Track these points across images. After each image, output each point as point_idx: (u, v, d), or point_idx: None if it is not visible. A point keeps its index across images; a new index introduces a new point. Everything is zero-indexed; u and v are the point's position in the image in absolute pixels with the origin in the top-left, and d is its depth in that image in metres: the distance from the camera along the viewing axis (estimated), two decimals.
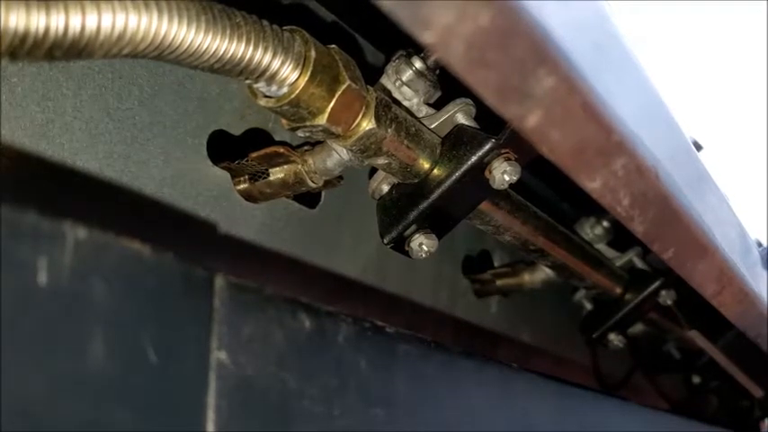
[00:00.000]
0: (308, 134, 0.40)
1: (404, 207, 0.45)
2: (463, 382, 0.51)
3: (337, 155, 0.43)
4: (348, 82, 0.38)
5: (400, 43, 0.46)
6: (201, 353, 0.30)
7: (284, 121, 0.39)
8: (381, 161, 0.43)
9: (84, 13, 0.27)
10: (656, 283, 0.72)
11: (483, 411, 0.53)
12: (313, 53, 0.36)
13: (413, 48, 0.46)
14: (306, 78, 0.36)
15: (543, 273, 0.72)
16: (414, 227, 0.45)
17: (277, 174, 0.45)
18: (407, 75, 0.45)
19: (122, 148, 0.41)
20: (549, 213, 0.55)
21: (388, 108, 0.41)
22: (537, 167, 0.41)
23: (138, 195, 0.41)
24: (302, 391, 0.35)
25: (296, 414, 0.35)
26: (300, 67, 0.36)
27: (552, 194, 0.81)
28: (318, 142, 0.44)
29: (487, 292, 0.75)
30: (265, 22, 0.35)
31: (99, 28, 0.28)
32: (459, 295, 0.71)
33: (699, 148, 0.63)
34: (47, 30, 0.27)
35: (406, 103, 0.45)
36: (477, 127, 0.45)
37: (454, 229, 0.47)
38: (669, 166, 0.37)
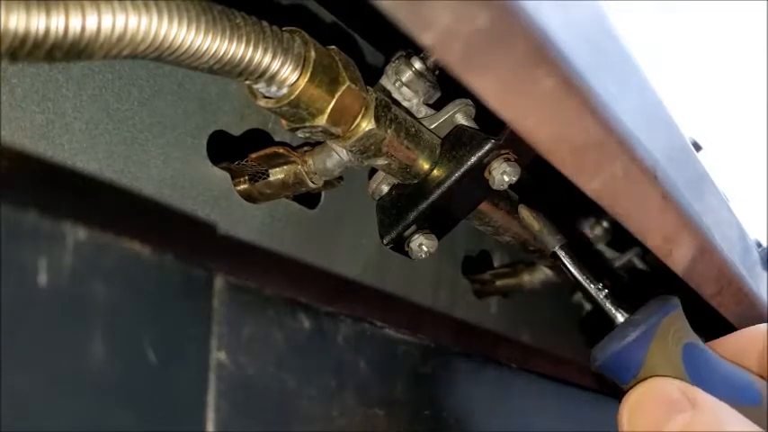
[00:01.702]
0: (307, 135, 0.40)
1: (403, 208, 0.45)
2: (463, 382, 0.51)
3: (337, 155, 0.43)
4: (348, 83, 0.38)
5: (400, 44, 0.46)
6: (201, 353, 0.30)
7: (284, 122, 0.39)
8: (381, 162, 0.43)
9: (84, 15, 0.27)
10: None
11: (483, 411, 0.53)
12: (313, 54, 0.36)
13: (412, 48, 0.46)
14: (305, 79, 0.36)
15: (543, 273, 0.72)
16: (413, 227, 0.45)
17: (277, 174, 0.45)
18: (407, 75, 0.45)
19: (122, 149, 0.41)
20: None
21: (387, 109, 0.41)
22: (536, 167, 0.41)
23: (138, 196, 0.41)
24: (302, 392, 0.35)
25: (296, 414, 0.35)
26: (300, 67, 0.36)
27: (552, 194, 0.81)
28: (318, 143, 0.44)
29: (487, 292, 0.75)
30: (265, 23, 0.35)
31: (99, 29, 0.28)
32: (459, 295, 0.71)
33: (698, 148, 0.63)
34: (47, 31, 0.27)
35: (405, 104, 0.45)
36: (477, 128, 0.45)
37: (454, 229, 0.48)
38: (668, 166, 0.37)
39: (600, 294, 0.41)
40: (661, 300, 0.41)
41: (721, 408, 0.36)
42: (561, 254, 0.42)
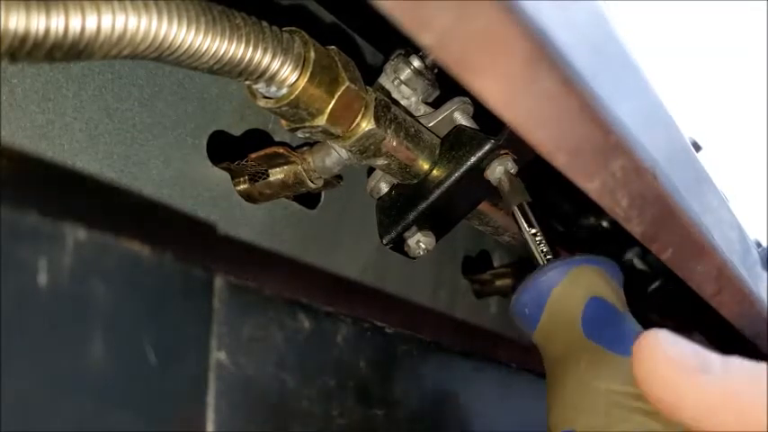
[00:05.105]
0: (307, 135, 0.40)
1: (403, 208, 0.45)
2: (463, 382, 0.51)
3: (336, 153, 0.43)
4: (347, 83, 0.38)
5: (400, 44, 0.46)
6: (201, 353, 0.30)
7: (284, 122, 0.39)
8: (381, 162, 0.43)
9: (83, 15, 0.27)
10: (656, 284, 0.72)
11: (483, 411, 0.53)
12: (312, 54, 0.37)
13: (411, 47, 0.46)
14: (305, 79, 0.36)
15: None
16: (413, 228, 0.45)
17: (277, 174, 0.45)
18: (406, 73, 0.45)
19: (122, 149, 0.41)
20: (548, 213, 0.55)
21: (387, 108, 0.41)
22: (536, 168, 0.41)
23: (138, 196, 0.41)
24: (302, 392, 0.35)
25: (296, 414, 0.35)
26: (300, 68, 0.36)
27: (552, 194, 0.81)
28: (318, 142, 0.44)
29: (487, 292, 0.75)
30: (265, 24, 0.35)
31: (99, 29, 0.28)
32: (458, 295, 0.71)
33: (698, 148, 0.63)
34: (47, 31, 0.27)
35: (404, 102, 0.45)
36: (476, 126, 0.45)
37: (454, 229, 0.48)
38: (667, 166, 0.37)
39: (541, 251, 0.42)
40: (590, 255, 0.41)
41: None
42: (517, 212, 0.42)
